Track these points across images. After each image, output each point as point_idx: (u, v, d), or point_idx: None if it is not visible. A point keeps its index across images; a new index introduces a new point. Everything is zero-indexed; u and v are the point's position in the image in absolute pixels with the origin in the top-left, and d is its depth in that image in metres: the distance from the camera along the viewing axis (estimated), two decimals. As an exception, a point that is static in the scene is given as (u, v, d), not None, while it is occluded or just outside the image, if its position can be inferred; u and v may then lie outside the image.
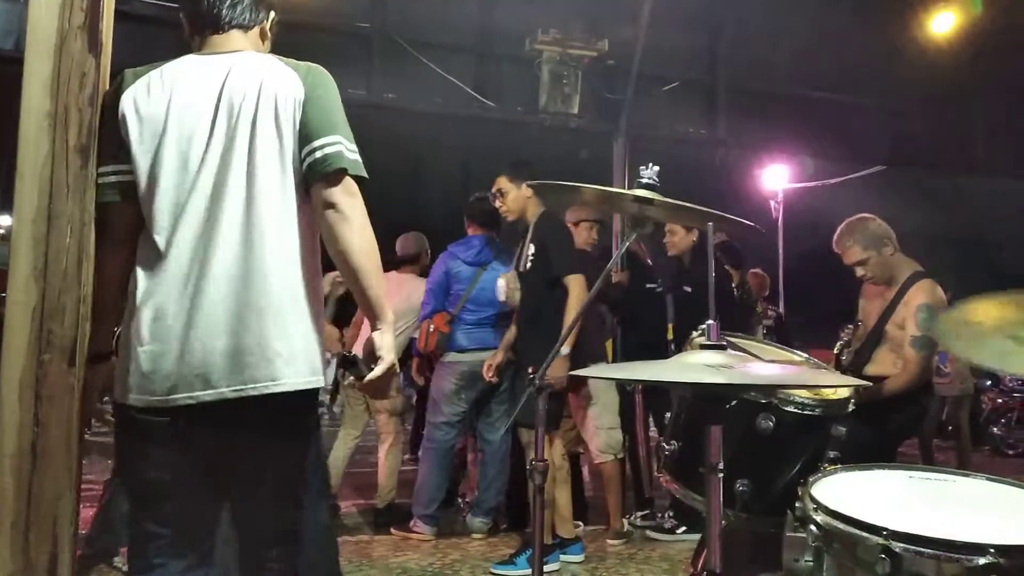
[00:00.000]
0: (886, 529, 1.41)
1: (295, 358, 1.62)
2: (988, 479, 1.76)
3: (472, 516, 4.55)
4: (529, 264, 3.85)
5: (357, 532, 5.04)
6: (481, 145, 6.03)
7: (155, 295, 1.61)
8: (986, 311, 1.96)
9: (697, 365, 1.56)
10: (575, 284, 3.63)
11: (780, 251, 12.64)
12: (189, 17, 1.77)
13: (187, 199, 1.62)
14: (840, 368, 3.14)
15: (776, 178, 10.95)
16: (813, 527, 1.54)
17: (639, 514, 4.79)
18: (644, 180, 1.99)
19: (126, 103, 1.65)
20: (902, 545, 1.39)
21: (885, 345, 3.19)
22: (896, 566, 1.38)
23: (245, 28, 1.76)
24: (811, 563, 1.53)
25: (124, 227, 1.68)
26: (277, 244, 1.63)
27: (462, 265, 4.43)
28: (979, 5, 5.80)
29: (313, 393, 1.68)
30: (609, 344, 5.19)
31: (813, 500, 1.59)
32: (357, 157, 1.68)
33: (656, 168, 2.03)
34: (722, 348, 1.58)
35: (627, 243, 2.13)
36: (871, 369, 3.20)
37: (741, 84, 6.36)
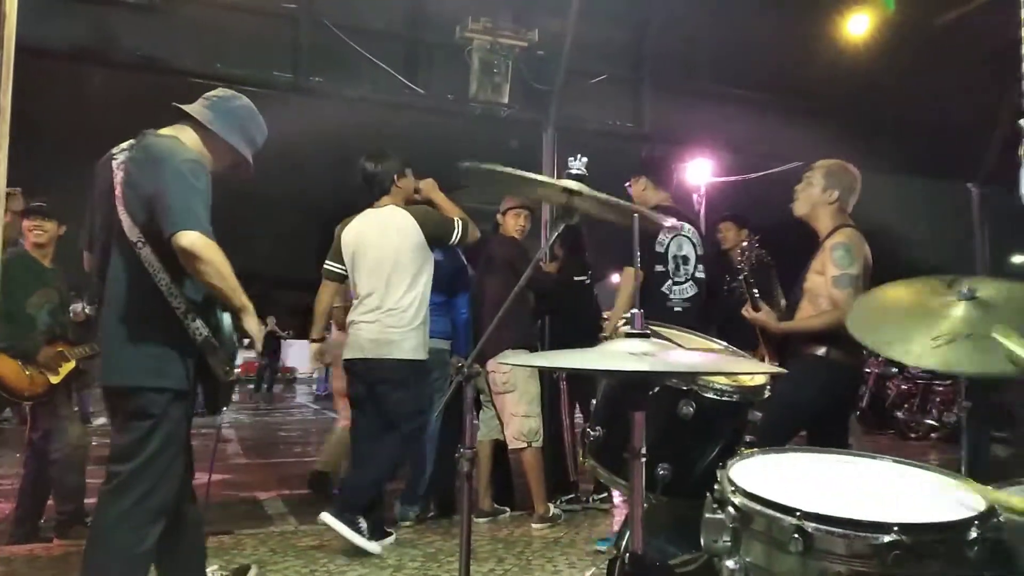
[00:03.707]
0: (799, 510, 1.47)
1: None
2: (894, 461, 1.85)
3: (402, 504, 4.53)
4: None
5: (281, 522, 4.96)
6: (410, 132, 5.94)
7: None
8: (895, 295, 2.05)
9: (621, 353, 1.59)
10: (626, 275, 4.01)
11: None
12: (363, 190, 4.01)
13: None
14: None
15: (699, 173, 11.18)
16: (731, 509, 1.58)
17: (564, 498, 4.86)
18: (573, 171, 2.01)
19: (345, 235, 4.03)
20: (813, 525, 1.45)
21: (804, 299, 3.24)
22: (808, 545, 1.44)
23: (388, 192, 4.08)
24: (729, 543, 1.58)
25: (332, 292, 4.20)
26: None
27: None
28: (892, 4, 6.03)
29: None
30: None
31: (731, 482, 1.64)
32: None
33: (585, 159, 2.05)
34: (646, 336, 1.62)
35: (556, 233, 2.14)
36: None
37: (665, 80, 6.44)
